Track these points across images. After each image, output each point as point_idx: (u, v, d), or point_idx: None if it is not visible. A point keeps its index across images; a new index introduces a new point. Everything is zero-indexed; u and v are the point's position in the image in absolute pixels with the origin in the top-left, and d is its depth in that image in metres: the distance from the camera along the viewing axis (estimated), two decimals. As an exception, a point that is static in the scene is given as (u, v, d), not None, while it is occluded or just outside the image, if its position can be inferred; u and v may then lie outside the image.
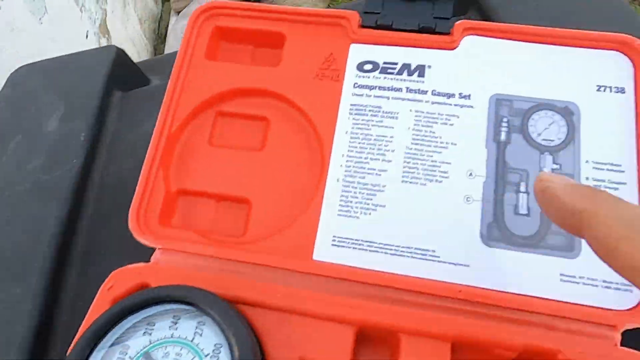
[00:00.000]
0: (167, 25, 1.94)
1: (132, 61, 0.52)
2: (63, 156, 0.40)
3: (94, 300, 0.28)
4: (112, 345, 0.26)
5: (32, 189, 0.38)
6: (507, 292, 0.27)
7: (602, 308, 0.26)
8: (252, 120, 0.35)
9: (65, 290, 0.34)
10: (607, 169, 0.29)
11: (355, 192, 0.31)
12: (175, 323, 0.26)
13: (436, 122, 0.31)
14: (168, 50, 1.69)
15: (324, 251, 0.29)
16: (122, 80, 0.49)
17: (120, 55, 0.50)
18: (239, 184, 0.33)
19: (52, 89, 0.47)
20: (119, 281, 0.28)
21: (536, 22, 0.40)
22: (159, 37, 2.00)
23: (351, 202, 0.30)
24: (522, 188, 0.29)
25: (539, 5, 0.42)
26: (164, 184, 0.32)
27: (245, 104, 0.35)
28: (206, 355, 0.25)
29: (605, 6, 0.41)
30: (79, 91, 0.45)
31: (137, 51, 1.78)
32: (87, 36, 1.42)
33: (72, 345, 0.25)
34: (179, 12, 1.91)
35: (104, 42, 1.53)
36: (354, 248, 0.29)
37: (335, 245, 0.30)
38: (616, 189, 0.29)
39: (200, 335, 0.26)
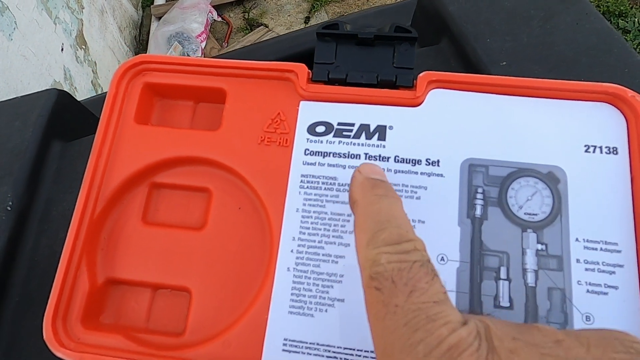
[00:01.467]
0: (149, 31, 1.87)
1: (77, 103, 0.46)
2: (-14, 231, 0.34)
3: None
4: None
5: (-51, 275, 0.32)
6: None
7: None
8: (193, 191, 0.29)
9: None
10: (601, 249, 0.24)
11: (308, 284, 0.25)
12: None
13: (400, 196, 0.26)
14: (148, 58, 1.62)
15: (273, 358, 0.24)
16: (64, 128, 0.43)
17: (63, 99, 0.44)
18: (178, 270, 0.28)
19: (-17, 144, 0.41)
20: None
21: (517, 59, 0.36)
22: (141, 43, 1.92)
23: (304, 295, 0.25)
24: (503, 274, 0.24)
25: (518, 37, 0.36)
26: (88, 277, 0.27)
27: (183, 173, 0.29)
28: None
29: (596, 41, 0.36)
30: (8, 147, 0.39)
31: (118, 60, 1.71)
32: (62, 49, 1.35)
33: None
34: (159, 18, 1.83)
35: (81, 54, 1.45)
36: (308, 354, 0.24)
37: (287, 350, 0.24)
38: (612, 272, 0.24)
39: None
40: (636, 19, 1.65)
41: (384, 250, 0.16)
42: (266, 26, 1.78)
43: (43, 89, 0.44)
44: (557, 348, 0.13)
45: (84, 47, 1.50)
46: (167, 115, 0.31)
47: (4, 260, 0.32)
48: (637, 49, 1.59)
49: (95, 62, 1.54)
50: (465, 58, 0.37)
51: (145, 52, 1.76)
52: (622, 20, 1.65)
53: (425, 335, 0.14)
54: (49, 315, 0.25)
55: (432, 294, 0.15)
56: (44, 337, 0.25)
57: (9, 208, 0.35)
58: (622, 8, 1.67)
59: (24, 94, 0.46)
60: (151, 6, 1.85)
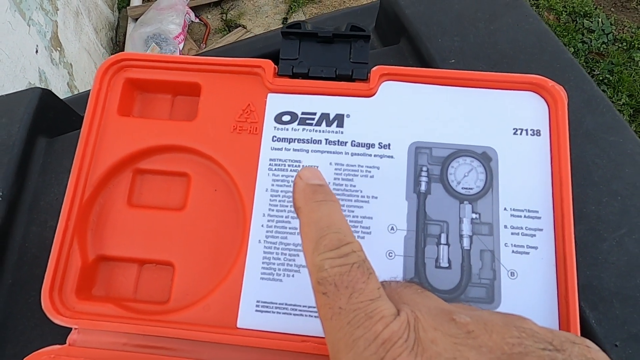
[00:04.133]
0: (125, 33, 1.87)
1: (60, 101, 0.49)
2: (-21, 220, 0.36)
3: (2, 394, 0.26)
4: None
5: (-55, 260, 0.35)
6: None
7: None
8: (173, 176, 0.33)
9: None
10: (525, 216, 0.28)
11: (277, 254, 0.29)
12: (87, 417, 0.24)
13: (357, 175, 0.30)
14: (125, 60, 1.63)
15: (248, 318, 0.28)
16: (49, 125, 0.46)
17: (46, 97, 0.47)
18: (161, 246, 0.31)
19: (-30, 140, 0.43)
20: (30, 370, 0.26)
21: (464, 57, 0.40)
22: (117, 45, 1.92)
23: (274, 264, 0.29)
24: (443, 240, 0.29)
25: (465, 37, 0.41)
26: (80, 254, 0.30)
27: (164, 160, 0.33)
28: None
29: (533, 40, 0.41)
30: (-2, 142, 0.42)
31: (94, 62, 1.71)
32: (37, 51, 1.35)
33: None
34: (136, 19, 1.84)
35: (56, 56, 1.46)
36: (278, 313, 0.28)
37: (259, 310, 0.28)
38: (533, 235, 0.28)
39: None
40: (600, 19, 1.74)
41: (326, 256, 0.18)
42: (244, 27, 1.81)
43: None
44: (467, 338, 0.16)
45: (59, 49, 1.50)
46: (147, 107, 0.34)
47: (-4, 246, 0.35)
48: (601, 48, 1.68)
49: (71, 64, 1.54)
50: (421, 56, 0.41)
51: (122, 54, 1.76)
52: (587, 20, 1.74)
53: (364, 332, 0.16)
54: (46, 288, 0.29)
55: (368, 293, 0.17)
56: (43, 307, 0.28)
57: (0, 197, 0.38)
58: (586, 9, 1.75)
59: (1, 94, 0.48)
60: (127, 7, 1.86)
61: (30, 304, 0.34)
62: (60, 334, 0.29)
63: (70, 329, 0.29)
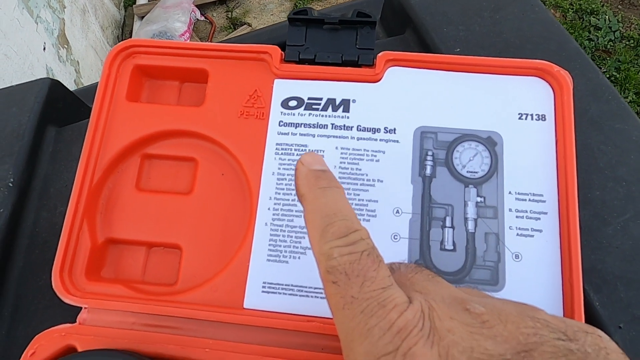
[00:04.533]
0: (132, 31, 1.89)
1: (69, 92, 0.50)
2: (-10, 205, 0.37)
3: (14, 370, 0.26)
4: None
5: (-42, 243, 0.35)
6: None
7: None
8: (180, 161, 0.33)
9: (-8, 354, 0.32)
10: (529, 199, 0.29)
11: (283, 236, 0.29)
12: (97, 391, 0.25)
13: (362, 159, 0.30)
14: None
15: (254, 299, 0.28)
16: (58, 115, 0.46)
17: (55, 87, 0.47)
18: (169, 229, 0.31)
19: (-19, 128, 0.44)
20: (42, 346, 0.27)
21: (469, 46, 0.40)
22: (123, 43, 1.93)
23: (280, 246, 0.29)
24: (448, 223, 0.29)
25: (470, 27, 0.41)
26: (90, 236, 0.31)
27: (171, 145, 0.33)
28: None
29: (539, 29, 0.41)
30: (7, 131, 0.42)
31: (101, 59, 1.72)
32: (44, 48, 1.36)
33: None
34: (142, 17, 1.85)
35: (63, 53, 1.47)
36: (284, 294, 0.28)
37: (266, 292, 0.29)
38: (538, 218, 0.28)
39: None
40: (607, 17, 1.74)
41: (335, 244, 0.18)
42: (249, 25, 1.81)
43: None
44: (482, 328, 0.16)
45: (66, 46, 1.51)
46: (155, 93, 0.35)
47: (8, 230, 0.36)
48: (608, 45, 1.67)
49: (77, 61, 1.55)
50: (426, 46, 0.42)
51: (128, 52, 1.78)
52: (593, 17, 1.73)
53: (379, 320, 0.16)
54: (56, 268, 0.29)
55: (380, 281, 0.17)
56: (53, 287, 0.29)
57: (10, 184, 0.38)
58: (593, 6, 1.75)
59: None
60: (133, 6, 1.87)
61: (41, 286, 0.34)
62: (70, 315, 0.30)
63: (80, 309, 0.30)
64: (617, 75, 1.57)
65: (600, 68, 1.59)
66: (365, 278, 0.17)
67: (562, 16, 1.73)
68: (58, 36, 1.47)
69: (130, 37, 1.88)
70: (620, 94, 1.52)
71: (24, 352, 0.27)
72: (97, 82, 0.54)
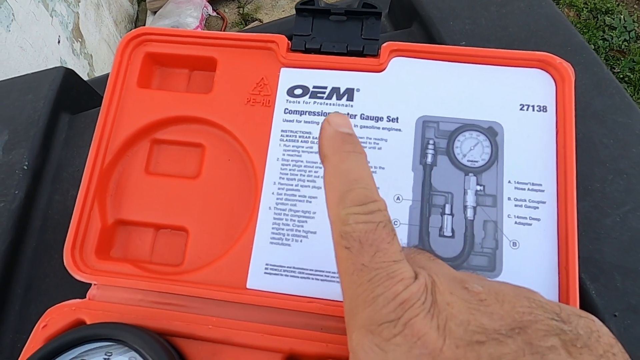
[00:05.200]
0: (144, 25, 1.91)
1: (82, 81, 0.51)
2: (4, 187, 0.39)
3: (29, 339, 0.27)
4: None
5: (-26, 222, 0.37)
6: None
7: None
8: (188, 146, 0.34)
9: (7, 326, 0.33)
10: (528, 189, 0.29)
11: (286, 220, 0.30)
12: (108, 359, 0.26)
13: (365, 147, 0.31)
14: (143, 52, 1.67)
15: (257, 279, 0.29)
16: (71, 102, 0.48)
17: (69, 76, 0.49)
18: (176, 212, 0.33)
19: (-3, 114, 0.46)
20: (53, 319, 0.28)
21: (475, 40, 0.41)
22: (135, 37, 1.96)
23: (283, 229, 0.30)
24: (447, 210, 0.29)
25: (477, 21, 0.41)
26: (100, 217, 0.32)
27: (180, 131, 0.34)
28: (137, 393, 0.25)
29: (545, 23, 0.41)
30: (22, 118, 0.44)
31: (113, 53, 1.75)
32: (59, 41, 1.39)
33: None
34: (155, 12, 1.87)
35: (77, 47, 1.49)
36: (286, 275, 0.29)
37: (268, 273, 0.29)
38: (536, 207, 0.29)
39: (131, 371, 0.26)
40: (622, 16, 1.72)
41: (352, 210, 0.18)
42: (260, 21, 1.82)
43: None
44: (480, 305, 0.17)
45: (80, 40, 1.54)
46: (165, 81, 0.36)
47: (22, 211, 0.37)
48: (623, 45, 1.65)
49: (91, 55, 1.58)
50: (432, 39, 0.42)
51: (141, 46, 1.80)
52: (608, 17, 1.72)
53: (384, 290, 0.16)
54: (68, 246, 0.30)
55: (392, 254, 0.17)
56: (65, 263, 0.30)
57: (25, 167, 0.40)
58: (608, 5, 1.73)
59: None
60: (146, 1, 1.90)
61: (53, 266, 0.36)
62: (80, 292, 0.31)
63: (90, 287, 0.31)
64: (631, 76, 1.55)
65: (614, 68, 1.57)
66: (378, 249, 0.17)
67: (576, 15, 1.71)
68: (72, 30, 1.50)
69: (143, 31, 1.90)
70: (634, 94, 1.51)
71: (36, 325, 0.28)
72: (109, 73, 0.56)
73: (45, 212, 0.39)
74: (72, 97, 0.48)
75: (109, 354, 0.26)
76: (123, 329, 0.26)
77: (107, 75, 0.57)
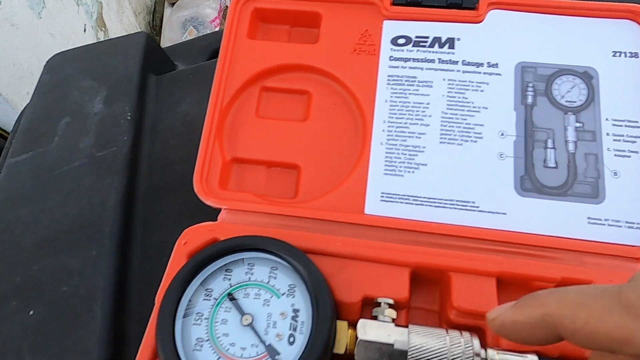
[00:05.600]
0: (162, 17, 1.94)
1: (159, 47, 0.54)
2: (113, 135, 0.42)
3: (172, 254, 0.30)
4: (197, 288, 0.28)
5: (88, 165, 0.40)
6: (542, 235, 0.30)
7: (626, 245, 0.30)
8: (295, 94, 0.37)
9: (133, 254, 0.36)
10: (625, 125, 0.32)
11: (398, 154, 0.33)
12: (251, 269, 0.29)
13: (468, 89, 0.34)
14: (164, 41, 1.71)
15: (374, 206, 0.32)
16: (154, 65, 0.51)
17: (151, 41, 0.52)
18: (287, 151, 0.36)
19: (89, 74, 0.49)
20: (192, 237, 0.31)
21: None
22: (154, 29, 1.99)
23: (395, 162, 0.33)
24: (550, 144, 0.33)
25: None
26: (220, 154, 0.35)
27: (287, 79, 0.37)
28: (282, 294, 0.28)
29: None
30: (116, 76, 0.47)
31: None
32: (84, 30, 1.42)
33: (160, 290, 0.28)
34: (173, 4, 1.91)
35: (101, 36, 1.53)
36: (401, 202, 0.32)
37: (384, 200, 0.33)
38: (634, 141, 0.32)
39: (275, 278, 0.29)
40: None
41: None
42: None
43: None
44: None
45: (103, 29, 1.57)
46: (271, 34, 0.39)
47: (131, 155, 0.41)
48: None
49: (116, 42, 1.60)
50: None
51: (159, 37, 1.83)
52: None
53: None
54: (197, 177, 0.33)
55: None
56: (195, 191, 0.33)
57: (128, 117, 0.43)
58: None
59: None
60: (166, -8, 1.93)
61: (164, 204, 0.39)
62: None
63: (194, 222, 0.33)
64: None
65: None
66: None
67: None
68: (96, 19, 1.53)
69: (161, 23, 1.94)
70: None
71: (177, 242, 0.31)
72: (176, 44, 0.59)
73: (149, 158, 0.42)
74: (153, 60, 0.51)
75: (252, 265, 0.29)
76: (267, 240, 0.29)
77: (173, 46, 0.60)
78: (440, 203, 0.32)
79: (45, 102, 0.47)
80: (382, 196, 0.33)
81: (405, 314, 0.30)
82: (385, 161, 0.33)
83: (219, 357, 0.26)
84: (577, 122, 0.33)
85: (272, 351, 0.26)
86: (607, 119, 0.32)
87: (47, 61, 0.52)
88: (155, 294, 0.29)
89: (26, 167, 0.41)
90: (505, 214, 0.31)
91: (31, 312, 0.32)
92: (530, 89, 0.34)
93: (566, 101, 0.33)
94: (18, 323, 0.32)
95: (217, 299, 0.28)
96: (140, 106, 0.45)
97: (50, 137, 0.43)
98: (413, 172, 0.33)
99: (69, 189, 0.38)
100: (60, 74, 0.50)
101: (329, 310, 0.26)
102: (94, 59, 0.50)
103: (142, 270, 0.35)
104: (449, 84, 0.34)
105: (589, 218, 0.31)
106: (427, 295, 0.31)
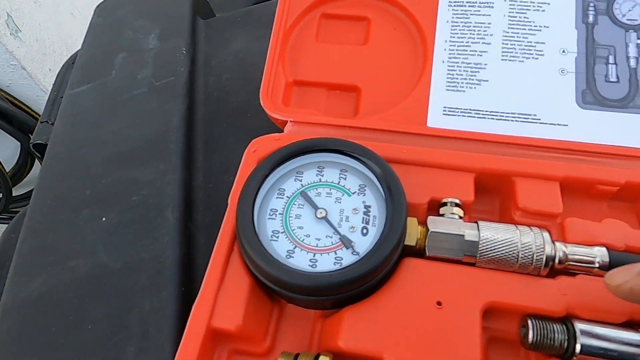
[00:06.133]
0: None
1: (203, -7, 0.56)
2: (170, 66, 0.44)
3: (242, 161, 0.32)
4: (269, 189, 0.30)
5: (148, 93, 0.42)
6: (604, 144, 0.32)
7: (690, 151, 0.31)
8: (354, 20, 0.39)
9: (197, 172, 0.38)
10: (688, 42, 0.33)
11: (460, 70, 0.35)
12: (321, 171, 0.31)
13: (529, 9, 0.35)
14: None
15: (436, 119, 0.34)
16: (201, 10, 0.53)
17: (197, -13, 0.54)
18: (347, 73, 0.37)
19: (141, 15, 0.51)
20: (261, 146, 0.33)
21: None
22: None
23: (457, 79, 0.35)
24: (611, 60, 0.34)
25: None
26: (283, 74, 0.37)
27: (346, 5, 0.39)
28: (353, 193, 0.30)
29: None
30: (168, 17, 0.49)
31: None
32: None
33: (234, 189, 0.30)
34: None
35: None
36: (463, 116, 0.34)
37: (446, 114, 0.34)
38: (696, 57, 0.33)
39: (345, 179, 0.30)
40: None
41: None
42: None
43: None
44: None
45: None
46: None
47: (190, 84, 0.42)
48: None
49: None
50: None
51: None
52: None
53: None
54: (263, 92, 0.35)
55: None
56: (262, 105, 0.35)
57: (184, 51, 0.45)
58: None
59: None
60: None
61: (224, 128, 0.41)
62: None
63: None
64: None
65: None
66: None
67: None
68: None
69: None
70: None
71: (246, 150, 0.33)
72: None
73: (205, 89, 0.44)
74: (200, 6, 0.53)
75: (321, 168, 0.31)
76: (338, 141, 0.30)
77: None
78: (502, 116, 0.33)
79: (100, 41, 0.49)
80: (444, 110, 0.34)
81: (468, 220, 0.31)
82: (448, 78, 0.35)
83: (295, 247, 0.28)
84: (638, 39, 0.34)
85: (346, 241, 0.28)
86: (669, 35, 0.33)
87: (96, 7, 0.54)
88: (221, 205, 0.30)
89: (88, 97, 0.43)
90: (566, 125, 0.32)
91: (103, 219, 0.34)
92: (591, 8, 0.35)
93: (627, 19, 0.34)
94: (91, 228, 0.34)
95: (289, 197, 0.30)
96: (193, 43, 0.47)
97: (108, 70, 0.45)
98: (475, 87, 0.34)
99: (132, 113, 0.41)
100: (113, 17, 0.52)
101: (403, 202, 0.28)
102: (144, 2, 0.52)
103: (205, 186, 0.37)
104: (510, 4, 0.36)
105: (651, 128, 0.32)
106: (488, 205, 0.32)
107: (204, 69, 0.46)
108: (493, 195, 0.32)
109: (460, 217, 0.29)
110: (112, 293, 0.31)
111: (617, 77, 0.33)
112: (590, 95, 0.33)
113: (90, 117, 0.41)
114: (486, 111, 0.34)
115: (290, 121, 0.35)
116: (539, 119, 0.33)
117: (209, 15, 0.55)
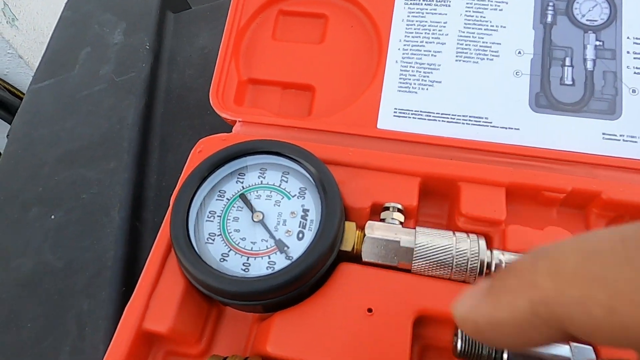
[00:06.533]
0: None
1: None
2: (132, 62, 0.44)
3: (187, 161, 0.32)
4: (210, 190, 0.30)
5: (108, 88, 0.42)
6: (554, 150, 0.31)
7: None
8: (312, 17, 0.39)
9: (150, 170, 0.38)
10: (646, 43, 0.32)
11: (413, 71, 0.34)
12: (263, 174, 0.31)
13: (486, 8, 0.35)
14: None
15: (386, 121, 0.34)
16: (171, 3, 0.53)
17: (169, -20, 0.54)
18: (302, 72, 0.37)
19: (109, 10, 0.51)
20: (207, 146, 0.33)
21: None
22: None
23: (409, 79, 0.34)
24: (567, 62, 0.33)
25: None
26: (236, 72, 0.37)
27: (304, 2, 0.39)
28: (293, 196, 0.30)
29: None
30: (136, 11, 0.49)
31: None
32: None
33: (176, 189, 0.30)
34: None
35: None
36: (414, 118, 0.33)
37: (397, 116, 0.34)
38: (655, 60, 0.32)
39: (286, 182, 0.30)
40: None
41: None
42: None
43: None
44: None
45: None
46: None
47: (150, 80, 0.43)
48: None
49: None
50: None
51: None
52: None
53: None
54: (213, 91, 0.35)
55: None
56: (211, 104, 0.35)
57: (147, 47, 0.45)
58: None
59: None
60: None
61: (181, 127, 0.41)
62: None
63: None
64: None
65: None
66: None
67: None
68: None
69: None
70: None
71: (192, 150, 0.33)
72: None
73: (167, 86, 0.44)
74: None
75: (264, 170, 0.31)
76: (280, 143, 0.30)
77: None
78: (453, 118, 0.33)
79: (67, 35, 0.49)
80: (395, 111, 0.34)
81: (414, 224, 0.31)
82: (400, 78, 0.34)
83: (230, 250, 0.28)
84: (597, 40, 0.33)
85: (281, 245, 0.28)
86: (628, 38, 0.33)
87: (67, 1, 0.55)
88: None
89: (48, 92, 0.44)
90: (518, 129, 0.32)
91: (52, 217, 0.35)
92: (550, 8, 0.34)
93: (587, 20, 0.34)
94: (40, 226, 0.35)
95: (229, 199, 0.30)
96: (159, 38, 0.47)
97: (72, 65, 0.45)
98: (427, 89, 0.34)
99: (89, 110, 0.41)
100: (81, 10, 0.52)
101: (338, 206, 0.28)
102: (113, -4, 0.52)
103: (158, 185, 0.37)
104: (467, 3, 0.35)
105: (603, 134, 0.31)
106: (435, 209, 0.32)
107: (168, 65, 0.46)
108: (442, 200, 0.32)
109: (401, 223, 0.29)
110: (53, 292, 0.31)
111: (573, 80, 0.33)
112: (544, 99, 0.33)
113: (48, 113, 0.42)
114: (437, 113, 0.33)
115: (239, 121, 0.35)
116: (491, 122, 0.33)
117: (182, 7, 0.55)
